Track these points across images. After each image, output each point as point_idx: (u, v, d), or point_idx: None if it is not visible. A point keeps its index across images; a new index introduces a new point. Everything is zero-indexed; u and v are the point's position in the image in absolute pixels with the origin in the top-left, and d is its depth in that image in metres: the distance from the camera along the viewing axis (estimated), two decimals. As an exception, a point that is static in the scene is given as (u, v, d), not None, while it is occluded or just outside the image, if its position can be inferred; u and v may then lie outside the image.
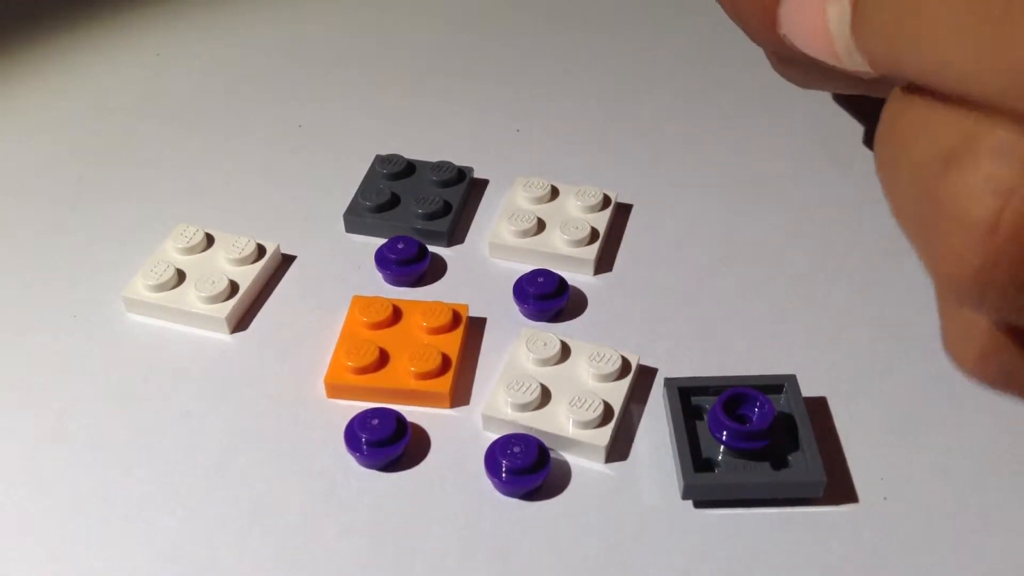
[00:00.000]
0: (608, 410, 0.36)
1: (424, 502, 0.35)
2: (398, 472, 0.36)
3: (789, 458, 0.35)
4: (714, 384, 0.37)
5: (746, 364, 0.40)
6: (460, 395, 0.39)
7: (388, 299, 0.41)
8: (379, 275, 0.44)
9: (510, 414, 0.37)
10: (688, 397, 0.37)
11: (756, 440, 0.34)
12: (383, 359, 0.39)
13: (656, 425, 0.37)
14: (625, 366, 0.38)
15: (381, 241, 0.45)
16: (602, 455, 0.36)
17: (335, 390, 0.38)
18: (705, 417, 0.36)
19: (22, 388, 0.39)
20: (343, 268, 0.45)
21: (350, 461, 0.36)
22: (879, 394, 0.38)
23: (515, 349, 0.39)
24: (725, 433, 0.34)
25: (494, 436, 0.36)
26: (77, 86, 0.57)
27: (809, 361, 0.40)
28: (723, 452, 0.35)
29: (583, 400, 0.36)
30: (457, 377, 0.39)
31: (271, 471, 0.36)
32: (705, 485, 0.34)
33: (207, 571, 0.33)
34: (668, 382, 0.37)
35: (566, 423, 0.36)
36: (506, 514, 0.34)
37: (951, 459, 0.36)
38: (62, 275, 0.44)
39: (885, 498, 0.35)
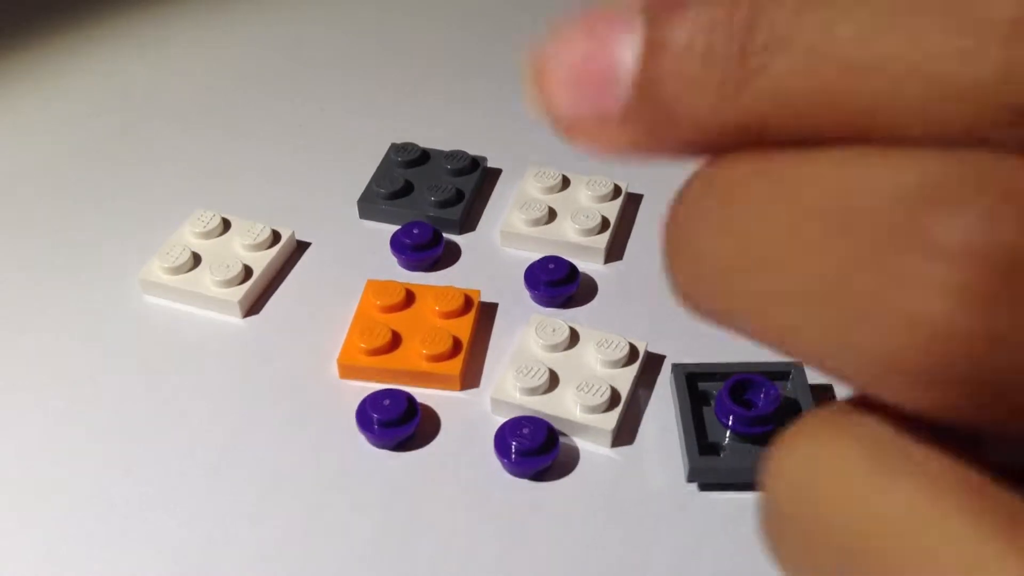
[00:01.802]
0: (615, 395, 0.37)
1: (433, 482, 0.35)
2: (408, 452, 0.36)
3: (794, 443, 0.35)
4: (721, 370, 0.37)
5: (753, 351, 0.40)
6: (470, 378, 0.39)
7: (401, 283, 0.41)
8: (393, 260, 0.44)
9: (518, 398, 0.37)
10: (695, 383, 0.37)
11: (761, 425, 0.35)
12: (395, 341, 0.39)
13: (663, 410, 0.38)
14: (633, 352, 0.39)
15: (394, 228, 0.45)
16: (608, 439, 0.36)
17: (348, 371, 0.39)
18: (712, 403, 0.37)
19: (36, 367, 0.40)
20: (357, 254, 0.45)
21: (361, 441, 0.37)
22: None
23: (524, 334, 0.40)
24: (731, 418, 0.35)
25: (502, 419, 0.37)
26: (133, 57, 0.58)
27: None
28: (729, 437, 0.36)
29: (590, 385, 0.37)
30: (468, 360, 0.39)
31: (283, 450, 0.36)
32: (710, 468, 0.34)
33: (220, 546, 0.33)
34: (676, 368, 0.38)
35: (573, 407, 0.37)
36: (514, 494, 0.35)
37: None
38: (81, 256, 0.45)
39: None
